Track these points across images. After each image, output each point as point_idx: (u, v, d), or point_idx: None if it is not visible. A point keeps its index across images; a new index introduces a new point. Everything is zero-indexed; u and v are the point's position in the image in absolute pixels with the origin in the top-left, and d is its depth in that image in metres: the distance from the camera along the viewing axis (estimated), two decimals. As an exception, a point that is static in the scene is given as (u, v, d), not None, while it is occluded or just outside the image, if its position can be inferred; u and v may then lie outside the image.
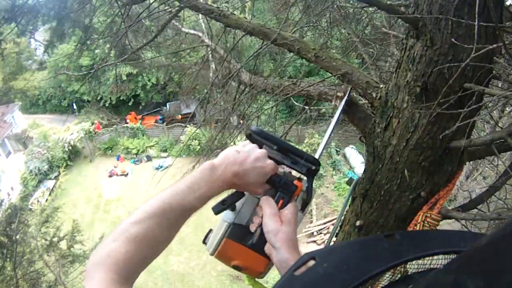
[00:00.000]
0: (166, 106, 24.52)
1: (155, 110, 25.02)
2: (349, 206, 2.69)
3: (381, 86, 2.22)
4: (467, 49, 1.53)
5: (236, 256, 1.13)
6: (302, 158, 1.19)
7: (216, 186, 1.04)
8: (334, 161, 19.93)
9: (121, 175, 20.99)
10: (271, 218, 1.07)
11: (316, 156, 1.40)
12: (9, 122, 22.83)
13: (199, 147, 20.79)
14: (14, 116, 23.83)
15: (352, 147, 20.03)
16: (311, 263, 0.65)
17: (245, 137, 1.20)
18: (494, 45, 1.45)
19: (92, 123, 22.80)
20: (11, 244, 8.39)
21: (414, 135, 1.95)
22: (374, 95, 2.24)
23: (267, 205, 1.10)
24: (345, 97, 2.30)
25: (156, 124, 23.51)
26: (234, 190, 1.13)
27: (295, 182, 1.17)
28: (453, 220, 2.15)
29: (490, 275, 0.34)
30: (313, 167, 1.18)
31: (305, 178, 1.20)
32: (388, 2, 2.84)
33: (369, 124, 2.28)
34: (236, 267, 1.14)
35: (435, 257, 0.60)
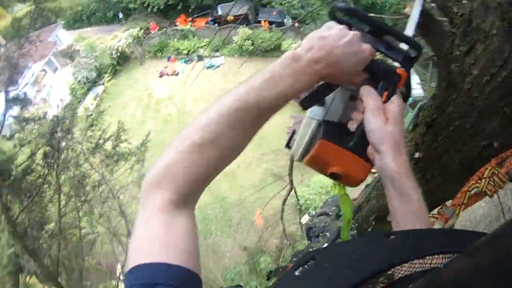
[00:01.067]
0: (216, 7, 23.76)
1: (205, 12, 24.42)
2: (409, 132, 2.34)
3: (466, 4, 1.73)
4: None
5: (335, 160, 0.95)
6: (401, 40, 1.02)
7: (303, 79, 0.86)
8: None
9: (172, 74, 21.23)
10: (375, 113, 0.91)
11: (409, 33, 1.23)
12: (53, 42, 23.13)
13: (252, 47, 20.38)
14: (58, 34, 24.03)
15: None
16: (311, 263, 0.65)
17: (329, 17, 0.97)
18: None
19: (141, 28, 22.68)
20: (54, 153, 8.84)
21: (502, 70, 1.49)
22: (455, 9, 1.75)
23: (370, 97, 0.93)
24: None
25: (207, 25, 23.04)
26: (323, 82, 0.95)
27: (399, 70, 0.98)
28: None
29: (491, 275, 0.34)
30: (413, 54, 1.00)
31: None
32: None
33: (446, 43, 1.81)
34: (333, 175, 0.97)
35: (435, 256, 0.58)
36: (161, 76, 21.21)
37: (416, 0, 1.47)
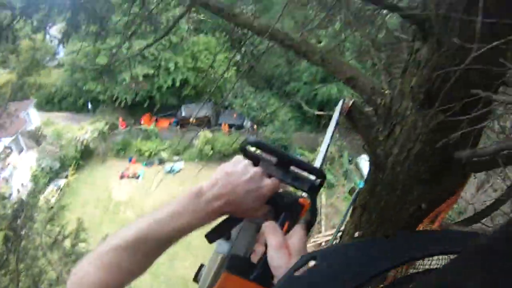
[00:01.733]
0: (181, 108, 24.66)
1: (169, 112, 25.18)
2: (350, 217, 2.60)
3: (387, 92, 2.12)
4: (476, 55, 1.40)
5: None
6: (306, 170, 1.03)
7: (201, 217, 0.91)
8: (346, 170, 19.81)
9: (132, 177, 21.19)
10: (278, 251, 0.87)
11: (317, 165, 1.25)
12: (24, 119, 23.14)
13: (211, 151, 20.88)
14: (29, 112, 24.13)
15: (365, 157, 19.92)
16: (312, 263, 0.64)
17: (240, 151, 1.01)
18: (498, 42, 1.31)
19: (107, 123, 23.05)
20: (15, 238, 8.46)
21: (416, 144, 1.86)
22: (378, 101, 2.14)
23: (271, 234, 0.90)
24: (339, 106, 2.17)
25: (170, 127, 23.65)
26: (227, 216, 0.98)
27: (300, 200, 0.99)
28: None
29: (490, 275, 0.34)
30: (317, 183, 1.01)
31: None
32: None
33: (372, 132, 2.18)
34: None
35: (435, 257, 0.61)
36: (121, 178, 21.07)
37: (325, 137, 1.69)
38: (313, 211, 0.99)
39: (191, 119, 23.43)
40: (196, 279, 1.05)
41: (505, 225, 0.39)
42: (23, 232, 8.82)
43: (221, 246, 1.01)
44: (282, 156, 1.00)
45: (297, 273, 0.63)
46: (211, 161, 20.57)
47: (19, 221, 8.72)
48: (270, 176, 0.97)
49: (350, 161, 20.44)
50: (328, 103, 21.70)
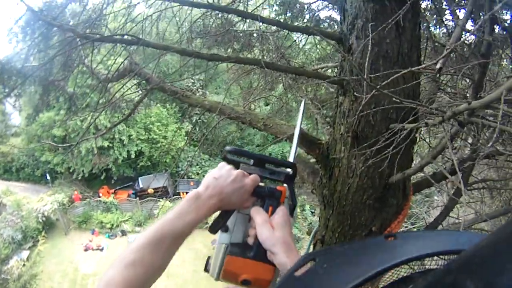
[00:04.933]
0: (138, 180, 24.35)
1: (127, 184, 24.73)
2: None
3: (323, 142, 2.49)
4: (387, 96, 1.74)
5: (242, 270, 1.13)
6: (279, 165, 1.27)
7: (202, 213, 1.09)
8: (310, 223, 19.91)
9: (97, 249, 20.35)
10: (263, 226, 1.10)
11: (290, 158, 1.43)
12: None
13: (173, 221, 20.58)
14: None
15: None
16: (311, 264, 0.65)
17: (221, 158, 1.24)
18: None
19: (66, 196, 22.31)
20: None
21: (354, 179, 2.19)
22: (317, 151, 2.50)
23: (257, 215, 1.14)
24: (303, 102, 2.48)
25: (129, 198, 23.19)
26: (221, 211, 1.17)
27: (278, 188, 1.20)
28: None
29: (490, 276, 0.35)
30: (291, 172, 1.23)
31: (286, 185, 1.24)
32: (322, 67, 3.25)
33: (317, 177, 2.53)
34: (245, 282, 1.13)
35: (435, 257, 0.60)
36: (86, 250, 20.15)
37: (294, 134, 1.96)
38: (292, 196, 1.23)
39: (148, 190, 23.11)
40: (206, 269, 1.22)
41: (505, 226, 0.40)
42: None
43: (222, 237, 1.19)
44: (257, 157, 1.24)
45: (297, 273, 0.63)
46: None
47: None
48: (250, 174, 1.18)
49: (312, 213, 20.63)
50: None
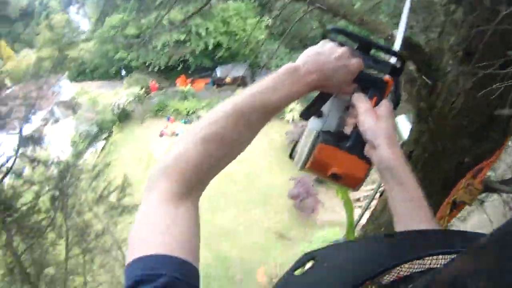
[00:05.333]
0: (216, 70, 24.71)
1: (205, 73, 25.24)
2: None
3: (426, 49, 2.19)
4: (509, 15, 1.46)
5: (334, 162, 1.02)
6: (387, 53, 1.14)
7: (300, 87, 0.97)
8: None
9: (172, 135, 21.53)
10: (367, 114, 0.99)
11: (396, 47, 1.30)
12: (57, 91, 23.61)
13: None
14: (61, 85, 24.55)
15: (404, 116, 19.32)
16: (311, 263, 0.64)
17: (322, 38, 1.08)
18: None
19: (142, 87, 23.34)
20: (62, 198, 8.93)
21: (458, 99, 1.93)
22: (420, 57, 2.22)
23: (361, 102, 1.02)
24: None
25: (207, 87, 23.77)
26: (319, 92, 1.05)
27: (385, 78, 1.08)
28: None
29: (491, 275, 0.34)
30: (398, 65, 1.10)
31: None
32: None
33: (415, 86, 2.27)
34: (334, 176, 1.03)
35: (435, 257, 0.59)
36: (161, 136, 21.46)
37: (401, 21, 1.58)
38: (397, 91, 1.10)
39: (226, 79, 23.51)
40: (291, 155, 1.14)
41: (507, 224, 0.39)
42: (70, 191, 9.22)
43: (314, 123, 1.09)
44: (363, 40, 1.08)
45: (297, 273, 0.63)
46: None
47: (65, 181, 9.12)
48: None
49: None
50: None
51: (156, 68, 24.33)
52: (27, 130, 10.67)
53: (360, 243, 0.78)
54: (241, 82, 22.28)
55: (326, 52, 0.99)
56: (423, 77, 2.14)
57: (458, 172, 2.19)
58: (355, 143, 1.02)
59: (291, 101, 0.97)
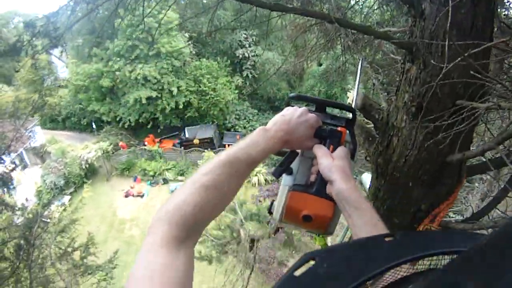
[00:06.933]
0: (184, 130, 24.84)
1: (173, 134, 25.30)
2: None
3: (383, 108, 2.38)
4: (457, 68, 1.68)
5: (304, 206, 1.17)
6: (340, 108, 1.35)
7: (272, 143, 1.16)
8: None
9: (137, 195, 21.12)
10: (324, 157, 1.17)
11: (349, 103, 1.50)
12: (28, 135, 23.09)
13: (216, 172, 21.06)
14: (33, 129, 24.07)
15: (367, 173, 19.82)
16: (311, 263, 0.65)
17: (285, 105, 1.33)
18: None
19: (111, 143, 23.16)
20: (28, 248, 8.59)
21: (412, 151, 2.09)
22: (377, 116, 2.41)
23: (319, 149, 1.21)
24: (360, 61, 2.40)
25: (174, 147, 23.74)
26: (288, 152, 1.25)
27: (339, 129, 1.27)
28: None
29: (491, 275, 0.35)
30: (351, 117, 1.31)
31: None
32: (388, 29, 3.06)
33: (373, 144, 2.44)
34: (306, 218, 1.15)
35: (435, 257, 0.60)
36: (126, 196, 20.96)
37: (356, 81, 1.95)
38: (353, 139, 1.31)
39: (194, 141, 23.58)
40: (270, 211, 1.32)
41: (505, 225, 0.40)
42: (37, 242, 8.92)
43: (286, 180, 1.28)
44: (319, 102, 1.32)
45: (296, 273, 0.63)
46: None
47: (33, 231, 8.83)
48: None
49: (355, 179, 20.44)
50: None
51: (126, 125, 24.28)
52: (-2, 170, 10.31)
53: (360, 243, 0.76)
54: (208, 145, 22.45)
55: (289, 113, 1.24)
56: (381, 133, 2.32)
57: (416, 219, 2.32)
58: (320, 186, 1.17)
59: (267, 155, 1.16)
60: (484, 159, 2.17)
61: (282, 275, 0.65)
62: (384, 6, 4.33)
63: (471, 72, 1.64)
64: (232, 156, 1.08)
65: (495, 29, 2.47)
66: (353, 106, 1.54)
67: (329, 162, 1.15)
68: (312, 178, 1.23)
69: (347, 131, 1.29)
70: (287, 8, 2.17)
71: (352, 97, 1.64)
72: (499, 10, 2.89)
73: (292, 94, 1.33)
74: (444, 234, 0.84)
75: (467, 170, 2.26)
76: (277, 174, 1.24)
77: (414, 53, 1.87)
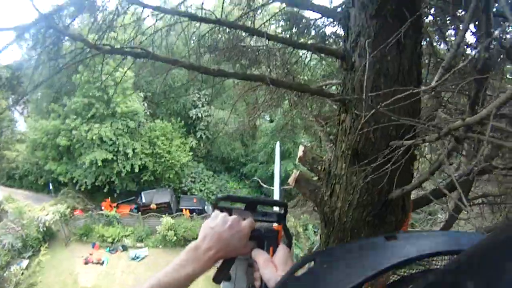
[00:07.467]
0: (140, 195, 24.30)
1: (130, 199, 24.64)
2: None
3: (325, 159, 2.53)
4: (386, 114, 1.80)
5: None
6: (271, 205, 1.33)
7: (202, 265, 1.09)
8: (313, 242, 19.79)
9: (97, 263, 20.23)
10: (266, 266, 1.11)
11: (276, 197, 1.49)
12: None
13: (175, 237, 20.55)
14: None
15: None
16: (311, 264, 0.65)
17: (212, 208, 1.25)
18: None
19: (68, 207, 22.27)
20: None
21: (354, 195, 2.22)
22: (319, 168, 2.54)
23: (259, 256, 1.14)
24: (277, 144, 2.52)
25: (131, 213, 23.10)
26: (222, 260, 1.18)
27: (274, 227, 1.22)
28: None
29: (490, 275, 0.35)
30: (282, 211, 1.26)
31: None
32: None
33: (319, 195, 2.56)
34: None
35: (435, 257, 0.60)
36: (86, 263, 19.98)
37: (274, 176, 2.02)
38: (287, 233, 1.24)
39: (151, 206, 23.06)
40: None
41: (504, 227, 0.40)
42: None
43: (225, 286, 1.21)
44: (248, 201, 1.26)
45: (297, 274, 0.64)
46: (175, 247, 20.27)
47: None
48: (244, 219, 1.19)
49: (315, 232, 20.49)
50: (286, 179, 22.15)
51: (83, 187, 23.54)
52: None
53: (360, 244, 0.74)
54: (166, 209, 22.02)
55: (219, 224, 1.15)
56: (324, 183, 2.44)
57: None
58: None
59: (195, 278, 1.10)
60: (424, 191, 2.29)
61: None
62: (323, 61, 4.61)
63: (394, 117, 1.75)
64: (161, 281, 1.05)
65: (432, 65, 2.72)
66: (279, 198, 1.49)
67: (273, 272, 1.09)
68: (257, 284, 1.17)
69: (282, 226, 1.26)
70: (229, 74, 2.35)
71: (276, 191, 1.67)
72: (436, 46, 3.11)
73: (220, 196, 1.25)
74: (444, 235, 0.84)
75: (415, 204, 2.40)
76: (217, 281, 1.19)
77: (347, 104, 2.05)
